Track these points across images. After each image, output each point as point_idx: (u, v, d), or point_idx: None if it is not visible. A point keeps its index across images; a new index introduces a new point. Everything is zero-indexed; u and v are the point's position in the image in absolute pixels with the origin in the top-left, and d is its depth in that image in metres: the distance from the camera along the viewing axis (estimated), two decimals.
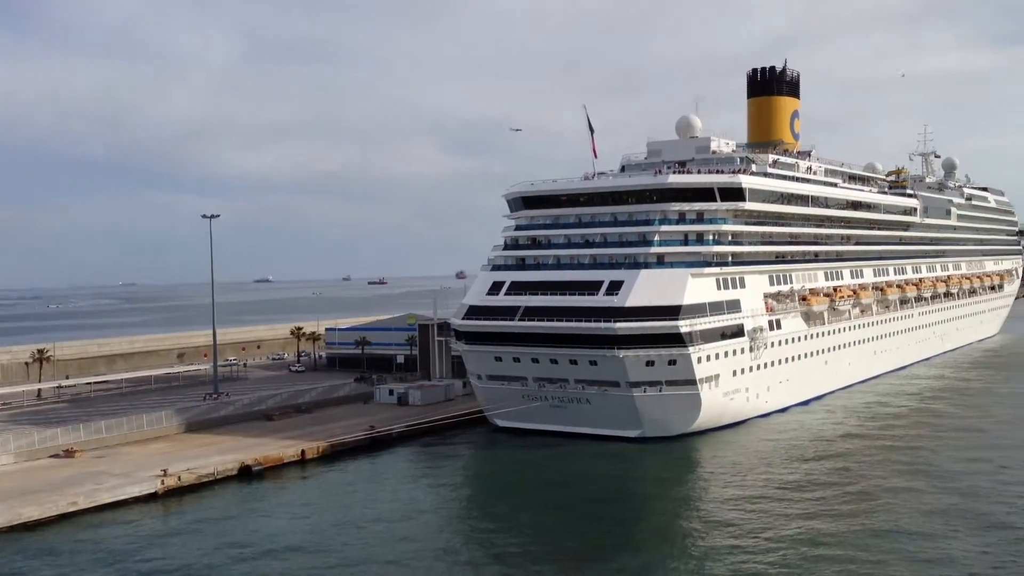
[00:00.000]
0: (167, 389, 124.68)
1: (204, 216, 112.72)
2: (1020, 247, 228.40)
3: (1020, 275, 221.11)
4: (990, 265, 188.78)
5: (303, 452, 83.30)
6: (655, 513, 65.60)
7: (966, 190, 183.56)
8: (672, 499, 69.42)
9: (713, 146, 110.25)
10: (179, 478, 72.98)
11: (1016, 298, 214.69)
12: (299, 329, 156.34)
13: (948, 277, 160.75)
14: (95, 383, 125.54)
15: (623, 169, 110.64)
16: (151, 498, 70.04)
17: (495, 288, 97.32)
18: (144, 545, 59.20)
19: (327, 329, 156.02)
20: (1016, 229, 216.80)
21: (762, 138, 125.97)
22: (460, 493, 74.28)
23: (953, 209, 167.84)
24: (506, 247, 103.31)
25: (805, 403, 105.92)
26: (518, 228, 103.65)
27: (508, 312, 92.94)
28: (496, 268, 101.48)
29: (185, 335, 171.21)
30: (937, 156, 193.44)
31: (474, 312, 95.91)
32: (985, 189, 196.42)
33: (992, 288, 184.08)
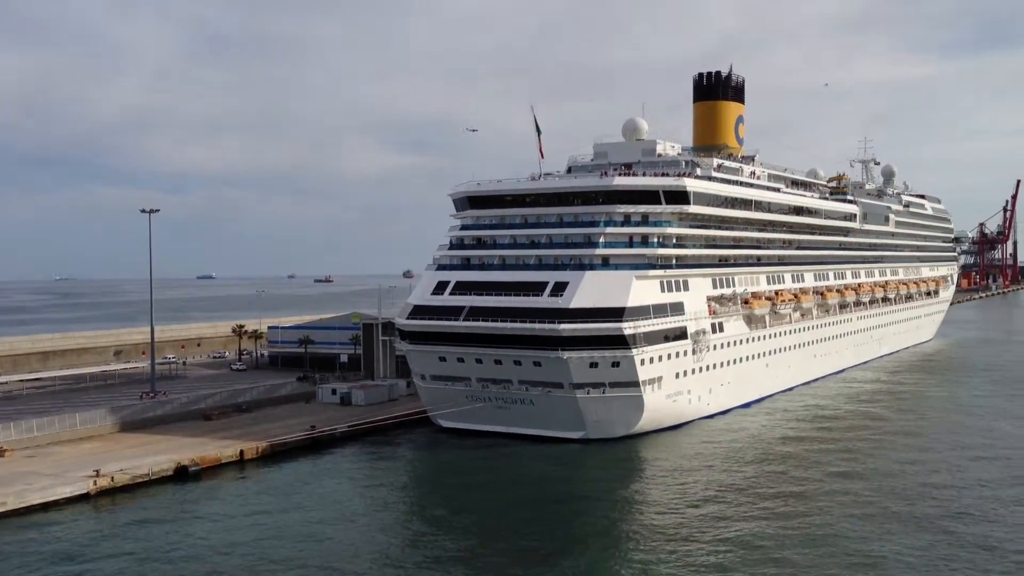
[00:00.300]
0: (103, 387, 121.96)
1: (143, 211, 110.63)
2: (955, 254, 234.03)
3: (955, 281, 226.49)
4: (926, 271, 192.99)
5: (242, 452, 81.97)
6: (597, 516, 65.54)
7: (904, 197, 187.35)
8: (614, 501, 69.49)
9: (659, 149, 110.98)
10: (112, 479, 71.30)
11: (951, 304, 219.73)
12: (241, 327, 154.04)
13: (886, 282, 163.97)
14: (27, 380, 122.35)
15: (570, 170, 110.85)
16: (83, 499, 68.37)
17: (440, 288, 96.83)
18: (73, 548, 57.68)
19: (270, 327, 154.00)
20: (952, 236, 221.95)
21: (707, 142, 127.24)
22: (401, 495, 73.65)
23: (891, 216, 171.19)
24: (451, 247, 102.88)
25: (747, 405, 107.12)
26: (464, 228, 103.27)
27: (452, 312, 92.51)
28: (441, 268, 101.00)
29: (123, 332, 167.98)
30: (877, 163, 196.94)
31: (418, 312, 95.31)
32: (923, 196, 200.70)
33: (928, 294, 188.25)
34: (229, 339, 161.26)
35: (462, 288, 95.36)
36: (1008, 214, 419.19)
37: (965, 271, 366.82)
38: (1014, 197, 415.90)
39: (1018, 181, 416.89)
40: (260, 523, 63.19)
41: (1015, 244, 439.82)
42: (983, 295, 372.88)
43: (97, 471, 71.88)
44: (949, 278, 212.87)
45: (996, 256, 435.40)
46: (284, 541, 59.08)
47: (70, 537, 60.03)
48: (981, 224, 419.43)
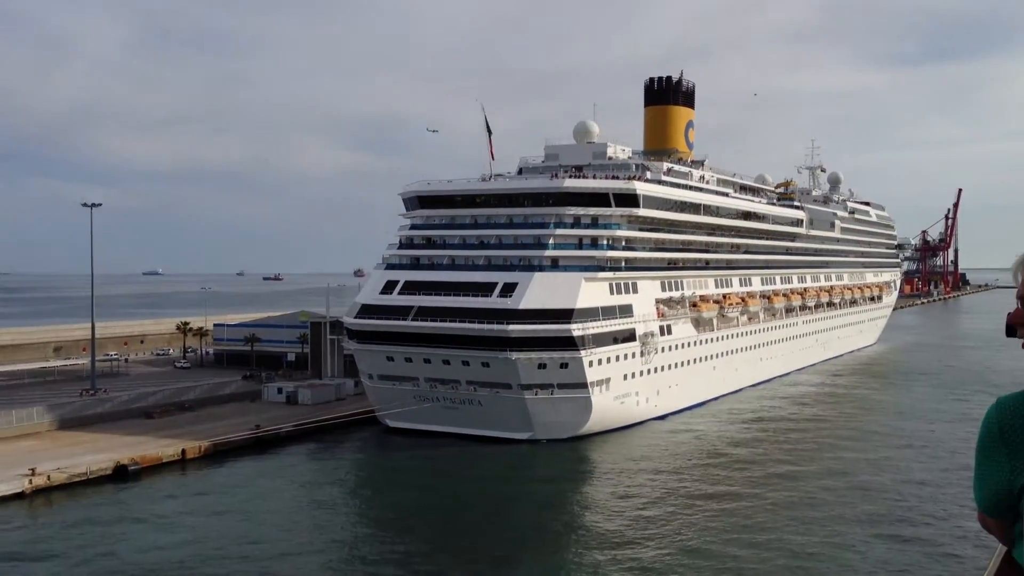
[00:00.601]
0: (41, 384, 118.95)
1: (85, 205, 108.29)
2: (899, 260, 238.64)
3: (898, 287, 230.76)
4: (870, 277, 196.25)
5: (183, 452, 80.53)
6: (545, 518, 65.40)
7: (850, 204, 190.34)
8: (562, 504, 69.44)
9: (609, 152, 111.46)
10: (48, 477, 69.57)
11: (894, 309, 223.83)
12: (186, 324, 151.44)
13: (831, 287, 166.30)
14: None
15: (520, 172, 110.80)
16: (18, 498, 66.64)
17: (389, 287, 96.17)
18: (5, 549, 56.09)
19: (216, 325, 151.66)
20: (895, 243, 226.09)
21: (658, 146, 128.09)
22: (346, 496, 72.90)
23: (837, 222, 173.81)
24: (401, 246, 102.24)
25: (694, 407, 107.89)
26: (413, 227, 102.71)
27: (401, 312, 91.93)
28: (391, 267, 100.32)
29: (63, 327, 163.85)
30: (823, 170, 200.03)
31: (367, 311, 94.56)
32: (868, 203, 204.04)
33: (872, 299, 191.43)
34: (174, 336, 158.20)
35: (411, 288, 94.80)
36: (949, 222, 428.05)
37: (908, 277, 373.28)
38: (955, 206, 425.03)
39: (959, 190, 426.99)
40: (199, 524, 62.03)
41: (956, 252, 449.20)
42: (925, 301, 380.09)
43: (33, 469, 70.05)
44: (892, 284, 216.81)
45: (938, 263, 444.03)
46: (223, 542, 58.02)
47: (2, 538, 58.40)
48: (924, 231, 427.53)
